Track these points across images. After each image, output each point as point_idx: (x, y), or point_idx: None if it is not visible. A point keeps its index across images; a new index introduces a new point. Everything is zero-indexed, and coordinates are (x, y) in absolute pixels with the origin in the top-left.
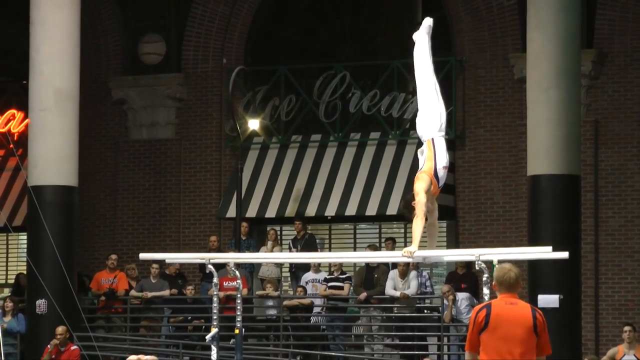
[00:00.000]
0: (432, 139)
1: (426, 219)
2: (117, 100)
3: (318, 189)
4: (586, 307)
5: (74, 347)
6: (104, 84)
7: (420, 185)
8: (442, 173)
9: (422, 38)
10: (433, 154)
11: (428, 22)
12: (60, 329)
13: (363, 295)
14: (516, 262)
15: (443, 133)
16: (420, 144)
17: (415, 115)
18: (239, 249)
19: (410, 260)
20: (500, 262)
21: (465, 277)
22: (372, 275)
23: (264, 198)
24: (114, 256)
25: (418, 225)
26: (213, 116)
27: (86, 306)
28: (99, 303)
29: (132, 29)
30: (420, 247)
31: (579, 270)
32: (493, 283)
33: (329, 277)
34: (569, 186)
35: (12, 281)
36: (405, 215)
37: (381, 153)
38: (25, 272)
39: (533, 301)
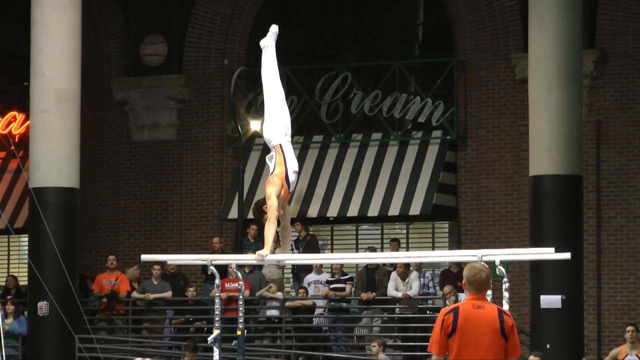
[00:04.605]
0: (280, 145)
1: (279, 223)
2: (118, 101)
3: (320, 190)
4: (588, 308)
5: None
6: (105, 85)
7: (272, 190)
8: (293, 177)
9: (269, 45)
10: (283, 159)
11: (274, 28)
12: None
13: (370, 294)
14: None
15: (289, 138)
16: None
17: (417, 116)
18: (240, 250)
19: (263, 263)
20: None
21: (459, 275)
22: (373, 277)
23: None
24: (112, 257)
25: (270, 229)
26: (215, 117)
27: (88, 308)
28: (100, 305)
29: (134, 30)
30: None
31: (581, 270)
32: (463, 282)
33: (331, 279)
34: (571, 186)
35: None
36: (257, 218)
37: (383, 154)
38: (16, 275)
39: (535, 302)
